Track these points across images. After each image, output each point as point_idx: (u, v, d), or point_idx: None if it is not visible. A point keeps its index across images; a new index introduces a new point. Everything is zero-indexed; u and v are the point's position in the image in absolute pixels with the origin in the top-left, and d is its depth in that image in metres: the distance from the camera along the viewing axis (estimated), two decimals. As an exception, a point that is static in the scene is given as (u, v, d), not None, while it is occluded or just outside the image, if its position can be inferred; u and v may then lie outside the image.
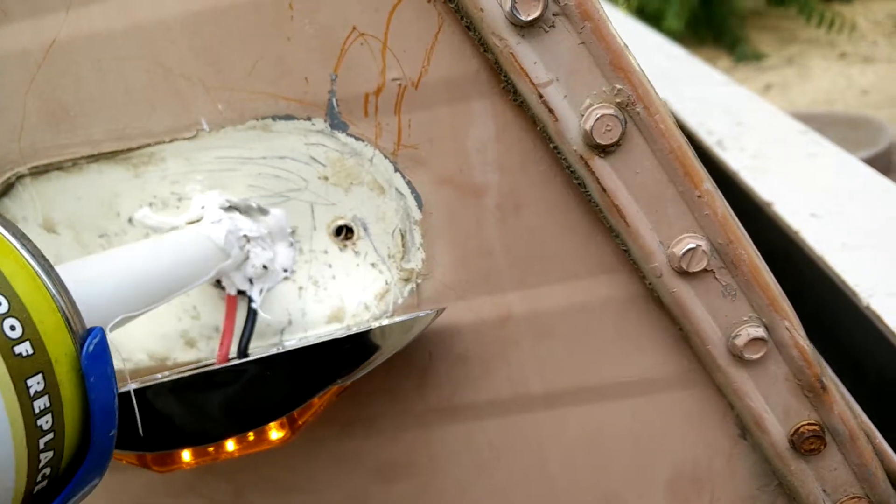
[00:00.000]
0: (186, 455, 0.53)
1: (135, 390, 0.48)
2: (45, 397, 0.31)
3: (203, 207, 0.56)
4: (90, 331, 0.34)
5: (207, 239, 0.53)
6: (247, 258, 0.57)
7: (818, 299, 1.00)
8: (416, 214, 0.57)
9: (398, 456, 0.64)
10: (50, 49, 0.53)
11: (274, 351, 0.52)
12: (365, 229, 0.58)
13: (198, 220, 0.56)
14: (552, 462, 0.64)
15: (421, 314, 0.56)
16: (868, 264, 0.93)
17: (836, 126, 2.82)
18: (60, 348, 0.32)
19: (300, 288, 0.60)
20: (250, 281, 0.58)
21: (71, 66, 0.53)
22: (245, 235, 0.56)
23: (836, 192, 1.12)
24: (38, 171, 0.56)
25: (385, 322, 0.57)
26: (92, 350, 0.33)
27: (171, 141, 0.55)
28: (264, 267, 0.57)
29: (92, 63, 0.53)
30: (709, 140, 1.36)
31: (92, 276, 0.41)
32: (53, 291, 0.33)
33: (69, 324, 0.33)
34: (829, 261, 0.95)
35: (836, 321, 0.96)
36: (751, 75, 5.10)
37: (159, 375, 0.59)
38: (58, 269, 0.34)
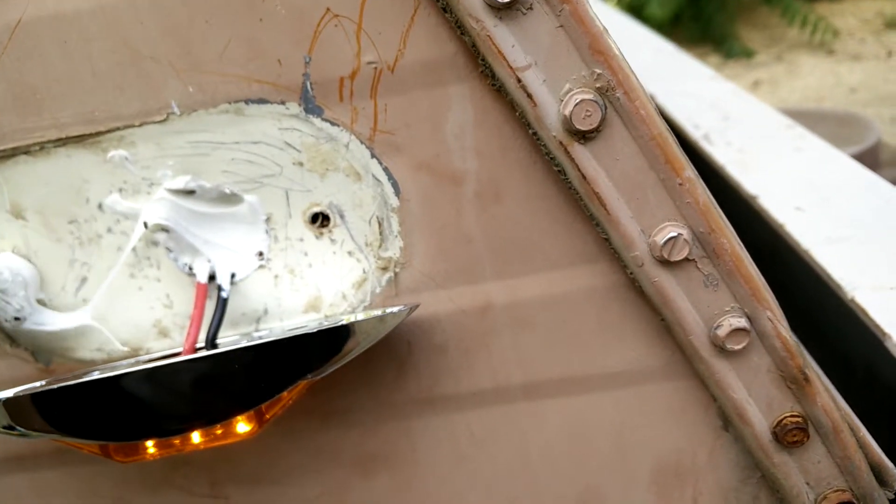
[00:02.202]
0: (150, 446, 0.51)
1: (101, 379, 0.47)
2: None
3: None
4: None
5: None
6: None
7: (804, 293, 1.00)
8: (394, 201, 0.56)
9: (378, 448, 0.63)
10: (15, 30, 0.51)
11: (242, 343, 0.51)
12: (341, 216, 0.57)
13: None
14: (533, 454, 0.63)
15: (395, 309, 0.54)
16: (852, 257, 0.93)
17: (824, 123, 2.83)
18: None
19: (276, 276, 0.58)
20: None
21: (37, 47, 0.52)
22: None
23: (821, 185, 1.12)
24: (5, 156, 0.55)
25: (356, 317, 0.56)
26: None
27: (140, 125, 0.53)
28: (16, 319, 0.55)
29: (58, 44, 0.51)
30: (695, 134, 1.36)
31: None
32: None
33: None
34: (814, 254, 0.94)
35: (823, 315, 0.96)
36: (740, 72, 5.11)
37: (123, 363, 0.58)
38: None
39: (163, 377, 0.49)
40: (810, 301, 0.98)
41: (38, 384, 0.55)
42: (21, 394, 0.49)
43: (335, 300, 0.59)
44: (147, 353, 0.60)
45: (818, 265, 0.93)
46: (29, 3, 0.51)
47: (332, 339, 0.52)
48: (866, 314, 0.84)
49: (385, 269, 0.58)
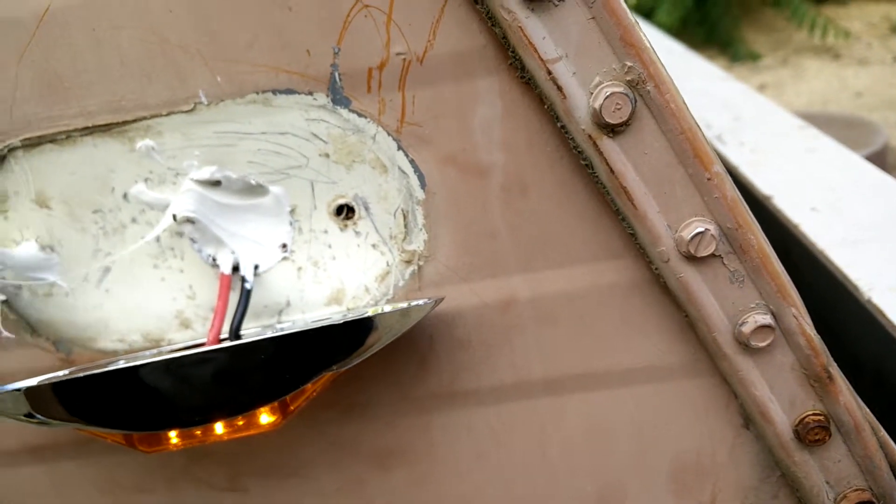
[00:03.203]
0: (174, 436, 0.51)
1: (127, 368, 0.47)
2: None
3: None
4: None
5: None
6: None
7: (817, 293, 0.99)
8: (419, 194, 0.55)
9: (396, 442, 0.63)
10: (44, 17, 0.51)
11: (267, 334, 0.50)
12: (366, 209, 0.57)
13: None
14: (553, 449, 0.63)
15: (420, 302, 0.54)
16: (868, 258, 0.93)
17: (831, 126, 2.82)
18: None
19: (299, 268, 0.58)
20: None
21: (65, 35, 0.52)
22: None
23: (836, 186, 1.12)
24: (31, 144, 0.54)
25: (382, 309, 0.55)
26: None
27: (167, 114, 0.53)
28: None
29: (87, 32, 0.51)
30: (708, 134, 1.35)
31: None
32: None
33: None
34: (830, 255, 0.94)
35: (836, 315, 0.96)
36: (745, 75, 5.10)
37: (147, 353, 0.58)
38: None
39: (188, 367, 0.49)
40: (822, 301, 0.98)
41: (62, 373, 0.55)
42: (45, 383, 0.49)
43: (358, 293, 0.58)
44: (169, 344, 0.60)
45: (834, 266, 0.93)
46: (58, -9, 0.51)
47: (357, 332, 0.51)
48: (883, 315, 0.84)
49: (409, 262, 0.57)
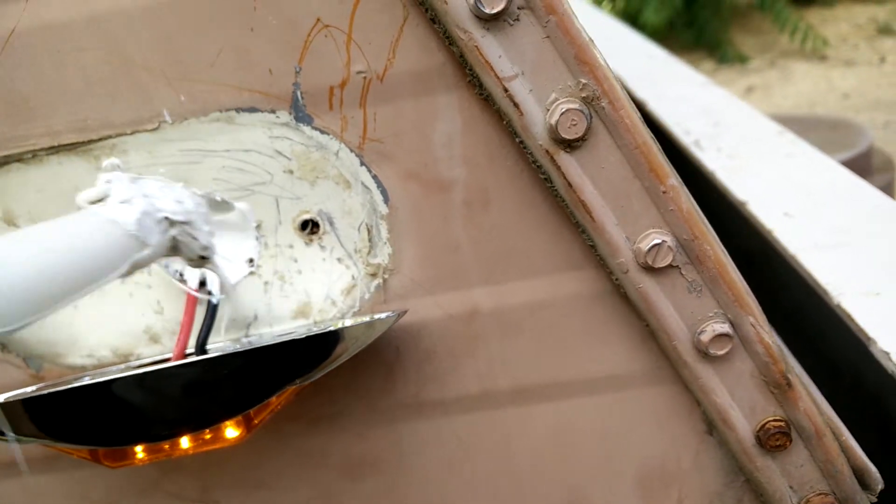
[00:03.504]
0: (140, 451, 0.52)
1: (91, 384, 0.48)
2: None
3: (109, 182, 0.45)
4: None
5: (113, 224, 0.43)
6: (175, 246, 0.47)
7: (792, 299, 1.01)
8: (383, 209, 0.56)
9: (365, 452, 0.64)
10: (9, 38, 0.52)
11: (231, 349, 0.51)
12: (331, 224, 0.57)
13: (101, 200, 0.45)
14: (519, 458, 0.64)
15: (382, 316, 0.55)
16: (839, 263, 0.94)
17: (817, 128, 2.84)
18: None
19: (266, 283, 0.59)
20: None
21: (30, 56, 0.52)
22: (167, 218, 0.45)
23: (811, 191, 1.13)
24: None
25: (345, 323, 0.56)
26: None
27: (132, 133, 0.54)
28: (201, 257, 0.49)
29: (52, 53, 0.52)
30: (686, 140, 1.37)
31: None
32: None
33: None
34: (802, 260, 0.95)
35: (810, 321, 0.97)
36: (733, 77, 5.13)
37: (115, 369, 0.58)
38: None
39: (153, 382, 0.49)
40: (798, 307, 0.99)
41: (29, 389, 0.56)
42: (12, 399, 0.50)
43: (324, 306, 0.59)
44: (137, 359, 0.60)
45: (805, 271, 0.94)
46: (23, 13, 0.52)
47: (320, 345, 0.52)
48: (852, 320, 0.85)
49: (374, 275, 0.58)
